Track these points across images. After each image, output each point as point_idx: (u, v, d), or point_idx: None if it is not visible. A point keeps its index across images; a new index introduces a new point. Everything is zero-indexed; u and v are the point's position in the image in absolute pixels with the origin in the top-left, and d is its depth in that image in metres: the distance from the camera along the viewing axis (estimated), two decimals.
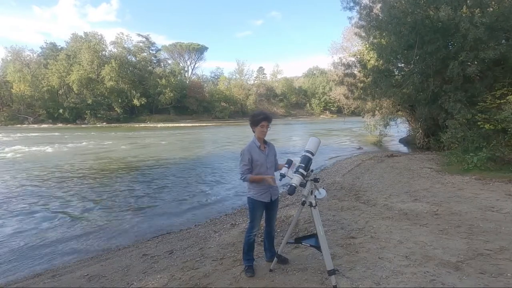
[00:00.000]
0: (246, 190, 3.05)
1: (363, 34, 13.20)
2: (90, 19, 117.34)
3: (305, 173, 2.60)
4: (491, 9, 9.14)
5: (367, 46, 17.03)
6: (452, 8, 8.94)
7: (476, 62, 9.26)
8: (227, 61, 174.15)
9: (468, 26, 8.49)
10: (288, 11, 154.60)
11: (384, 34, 11.50)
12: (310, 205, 2.67)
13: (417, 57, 10.28)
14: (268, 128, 2.95)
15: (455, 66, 9.12)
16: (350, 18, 12.95)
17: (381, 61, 12.90)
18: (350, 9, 12.32)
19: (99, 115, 53.78)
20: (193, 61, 76.25)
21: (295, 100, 79.48)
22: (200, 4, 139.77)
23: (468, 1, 9.67)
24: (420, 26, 9.77)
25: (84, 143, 20.92)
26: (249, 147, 2.93)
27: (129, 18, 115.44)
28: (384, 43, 11.82)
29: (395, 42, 10.89)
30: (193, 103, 62.95)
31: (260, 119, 2.90)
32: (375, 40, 12.68)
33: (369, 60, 15.11)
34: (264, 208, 3.02)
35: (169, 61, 72.85)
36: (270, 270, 3.04)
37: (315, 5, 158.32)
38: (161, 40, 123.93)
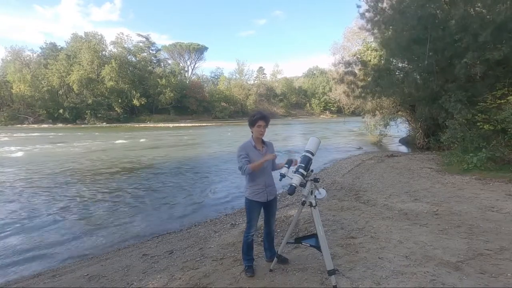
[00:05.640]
0: (244, 189, 3.05)
1: (369, 26, 12.99)
2: (93, 18, 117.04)
3: (305, 173, 2.60)
4: (500, 9, 9.01)
5: (368, 45, 16.99)
6: (465, 5, 8.76)
7: (478, 62, 9.21)
8: (228, 61, 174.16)
9: (478, 26, 8.39)
10: (291, 10, 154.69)
11: (390, 26, 11.32)
12: (310, 205, 2.66)
13: (425, 54, 10.16)
14: (266, 128, 2.93)
15: (463, 66, 9.05)
16: (358, 7, 12.86)
17: (382, 59, 12.82)
18: None
19: (99, 115, 53.77)
20: (193, 61, 76.49)
21: (295, 100, 79.47)
22: (204, 3, 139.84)
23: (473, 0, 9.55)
24: (430, 21, 9.64)
25: (85, 143, 20.92)
26: (245, 144, 2.93)
27: (132, 18, 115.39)
28: (390, 36, 11.64)
29: (401, 37, 10.71)
30: (193, 103, 62.97)
31: (256, 119, 2.89)
32: (379, 35, 12.54)
33: (369, 60, 15.09)
34: (260, 208, 3.00)
35: (169, 61, 73.02)
36: (270, 270, 3.04)
37: (317, 5, 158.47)
38: (164, 39, 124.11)
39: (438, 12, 9.75)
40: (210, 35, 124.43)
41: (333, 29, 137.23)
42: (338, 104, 24.41)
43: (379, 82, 11.79)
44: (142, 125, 47.59)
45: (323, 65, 77.42)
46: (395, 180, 7.24)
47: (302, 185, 2.60)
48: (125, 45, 61.93)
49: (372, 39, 15.37)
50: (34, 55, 58.57)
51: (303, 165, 2.62)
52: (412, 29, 10.04)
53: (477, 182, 6.60)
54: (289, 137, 24.99)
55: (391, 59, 12.29)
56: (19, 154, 15.63)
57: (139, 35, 68.62)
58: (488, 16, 8.43)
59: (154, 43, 68.83)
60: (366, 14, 12.30)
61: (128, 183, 9.03)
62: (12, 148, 17.76)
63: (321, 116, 74.48)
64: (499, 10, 8.52)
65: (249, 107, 67.71)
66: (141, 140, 23.15)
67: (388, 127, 18.19)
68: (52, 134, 30.65)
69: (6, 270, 4.11)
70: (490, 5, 8.86)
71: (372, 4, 11.72)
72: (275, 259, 3.08)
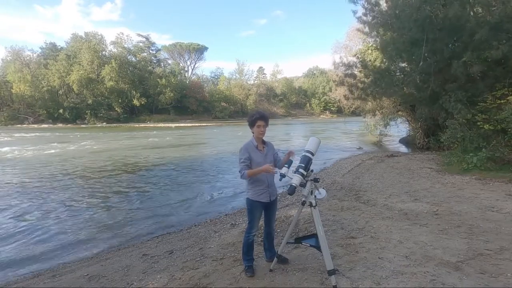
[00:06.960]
0: (245, 190, 3.05)
1: (366, 29, 12.93)
2: (94, 18, 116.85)
3: (305, 173, 2.60)
4: (496, 9, 9.02)
5: (369, 45, 16.96)
6: (461, 5, 8.76)
7: (476, 61, 9.21)
8: (228, 61, 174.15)
9: (474, 25, 8.40)
10: (291, 10, 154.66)
11: (388, 29, 11.30)
12: (310, 205, 2.66)
13: (424, 55, 10.16)
14: (266, 128, 2.95)
15: (460, 66, 9.04)
16: (354, 11, 12.76)
17: (382, 60, 12.80)
18: (355, 2, 12.16)
19: (99, 115, 53.77)
20: (193, 61, 76.50)
21: (295, 100, 79.46)
22: (204, 3, 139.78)
23: (471, 1, 9.56)
24: (426, 23, 9.66)
25: (86, 143, 20.92)
26: (247, 145, 2.94)
27: (133, 17, 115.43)
28: (388, 39, 11.65)
29: (398, 39, 10.72)
30: (193, 103, 62.97)
31: (255, 119, 2.91)
32: (377, 38, 12.53)
33: (370, 60, 15.07)
34: (262, 209, 3.01)
35: (169, 61, 73.04)
36: (270, 270, 3.04)
37: (317, 5, 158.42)
38: (164, 39, 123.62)
39: (436, 12, 9.74)
40: (210, 35, 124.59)
41: (333, 29, 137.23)
42: (338, 104, 24.44)
43: (379, 83, 11.77)
44: (142, 125, 47.55)
45: (323, 65, 77.70)
46: (395, 180, 7.24)
47: (302, 185, 2.60)
48: (125, 45, 61.96)
49: (373, 40, 15.35)
50: (34, 55, 58.66)
51: (303, 165, 2.62)
52: (408, 32, 10.05)
53: (477, 182, 6.60)
54: (290, 137, 24.98)
55: (391, 59, 12.26)
56: (19, 154, 15.63)
57: (139, 35, 68.86)
58: (488, 18, 8.42)
59: (154, 43, 69.00)
60: (363, 17, 12.24)
61: (127, 184, 9.03)
62: (12, 148, 17.75)
63: (321, 116, 74.48)
64: (497, 10, 8.54)
65: (249, 107, 67.67)
66: (149, 139, 23.16)
67: (388, 127, 18.19)
68: (55, 134, 30.63)
69: (7, 270, 4.11)
70: (487, 6, 8.88)
71: (369, 7, 11.67)
72: (275, 259, 3.08)
